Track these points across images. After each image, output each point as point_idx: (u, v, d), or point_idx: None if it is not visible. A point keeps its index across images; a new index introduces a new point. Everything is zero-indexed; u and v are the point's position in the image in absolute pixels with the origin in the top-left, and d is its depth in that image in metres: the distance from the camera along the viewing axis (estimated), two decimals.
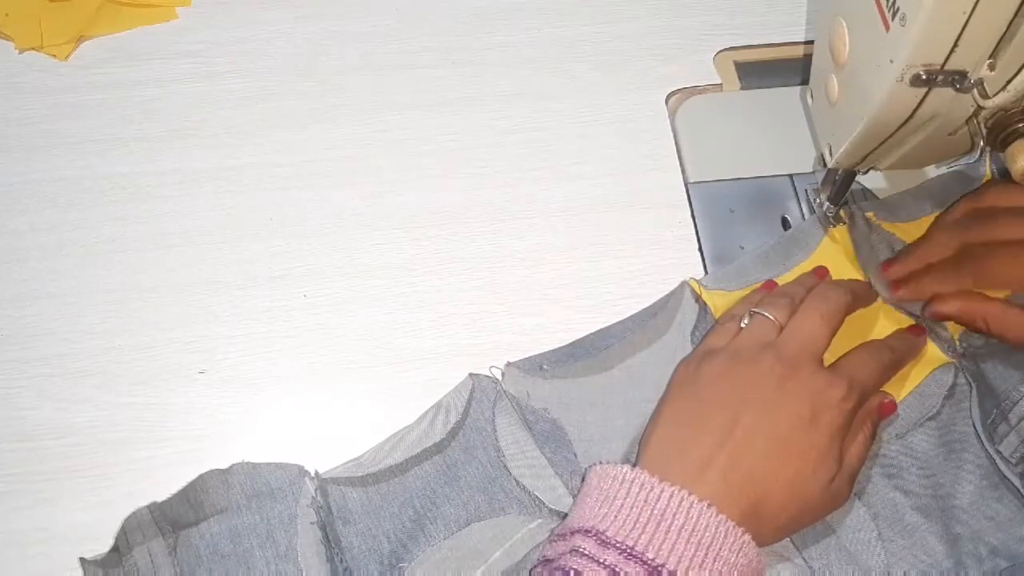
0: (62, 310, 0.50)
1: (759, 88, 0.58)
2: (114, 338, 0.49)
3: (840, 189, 0.50)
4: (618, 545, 0.37)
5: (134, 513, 0.43)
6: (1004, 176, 0.52)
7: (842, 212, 0.51)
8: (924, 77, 0.37)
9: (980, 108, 0.39)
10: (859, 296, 0.48)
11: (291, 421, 0.47)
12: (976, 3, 0.34)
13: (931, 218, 0.51)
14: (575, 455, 0.46)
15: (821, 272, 0.50)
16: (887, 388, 0.46)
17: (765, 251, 0.51)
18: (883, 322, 0.49)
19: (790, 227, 0.53)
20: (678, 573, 0.37)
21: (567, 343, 0.49)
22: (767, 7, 0.60)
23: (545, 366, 0.48)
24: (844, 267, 0.51)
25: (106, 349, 0.49)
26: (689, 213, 0.53)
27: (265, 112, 0.56)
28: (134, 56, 0.57)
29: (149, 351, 0.49)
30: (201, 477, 0.44)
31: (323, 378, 0.48)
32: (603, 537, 0.38)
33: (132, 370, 0.48)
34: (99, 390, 0.47)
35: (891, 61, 0.38)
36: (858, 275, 0.50)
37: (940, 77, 0.37)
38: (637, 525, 0.38)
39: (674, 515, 0.38)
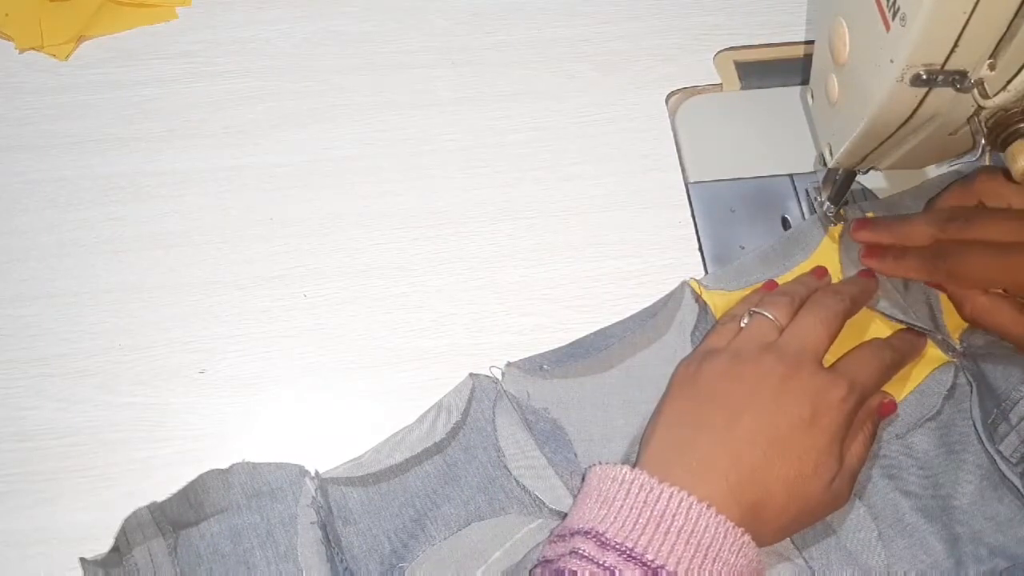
0: (62, 310, 0.50)
1: (759, 88, 0.57)
2: (114, 338, 0.49)
3: (840, 189, 0.50)
4: (617, 546, 0.37)
5: (134, 513, 0.43)
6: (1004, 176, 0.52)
7: (842, 212, 0.51)
8: (924, 77, 0.37)
9: (980, 108, 0.39)
10: (860, 297, 0.48)
11: (291, 421, 0.47)
12: (976, 3, 0.34)
13: None
14: (575, 455, 0.46)
15: (821, 272, 0.50)
16: (887, 388, 0.46)
17: (765, 251, 0.51)
18: (880, 324, 0.49)
19: (790, 227, 0.53)
20: (678, 574, 0.37)
21: (567, 343, 0.49)
22: (767, 7, 0.60)
23: (545, 366, 0.48)
24: None
25: (106, 349, 0.49)
26: (689, 213, 0.53)
27: (265, 112, 0.56)
28: (134, 56, 0.57)
29: (149, 351, 0.49)
30: (201, 477, 0.44)
31: (323, 378, 0.48)
32: (602, 538, 0.38)
33: (132, 370, 0.48)
34: (99, 390, 0.47)
35: (891, 61, 0.38)
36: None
37: (940, 77, 0.37)
38: (636, 526, 0.38)
39: (674, 516, 0.38)
